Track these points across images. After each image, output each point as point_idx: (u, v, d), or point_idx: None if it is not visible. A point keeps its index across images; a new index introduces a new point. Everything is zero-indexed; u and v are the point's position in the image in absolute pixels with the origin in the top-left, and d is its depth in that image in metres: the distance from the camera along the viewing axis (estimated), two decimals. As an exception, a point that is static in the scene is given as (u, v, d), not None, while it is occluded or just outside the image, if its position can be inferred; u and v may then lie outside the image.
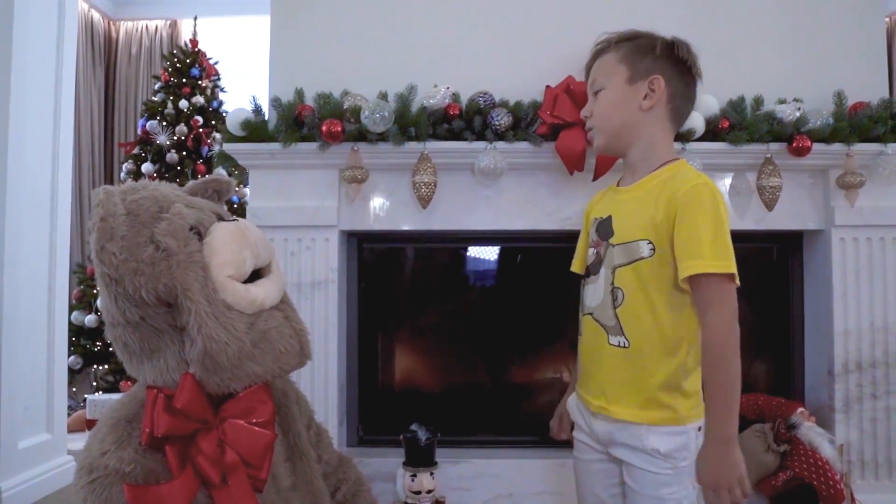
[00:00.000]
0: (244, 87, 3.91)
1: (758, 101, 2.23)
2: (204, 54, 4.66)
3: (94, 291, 4.14)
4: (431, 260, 2.51)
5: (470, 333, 2.51)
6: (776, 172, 2.17)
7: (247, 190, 4.63)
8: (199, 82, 4.54)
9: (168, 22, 5.45)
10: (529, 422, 2.44)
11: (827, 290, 2.28)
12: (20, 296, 2.81)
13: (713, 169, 2.21)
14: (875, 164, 2.19)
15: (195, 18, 4.75)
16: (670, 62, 1.43)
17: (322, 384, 2.22)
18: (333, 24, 2.32)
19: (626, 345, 1.34)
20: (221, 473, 1.16)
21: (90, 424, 3.90)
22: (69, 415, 3.44)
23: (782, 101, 2.23)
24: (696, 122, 2.14)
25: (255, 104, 2.20)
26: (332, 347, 2.23)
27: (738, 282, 1.29)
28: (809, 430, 2.10)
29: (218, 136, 4.29)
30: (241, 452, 1.19)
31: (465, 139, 2.14)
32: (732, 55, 2.30)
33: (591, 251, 1.47)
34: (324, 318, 2.22)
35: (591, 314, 1.43)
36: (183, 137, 4.35)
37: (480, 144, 2.13)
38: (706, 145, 2.17)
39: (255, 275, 1.28)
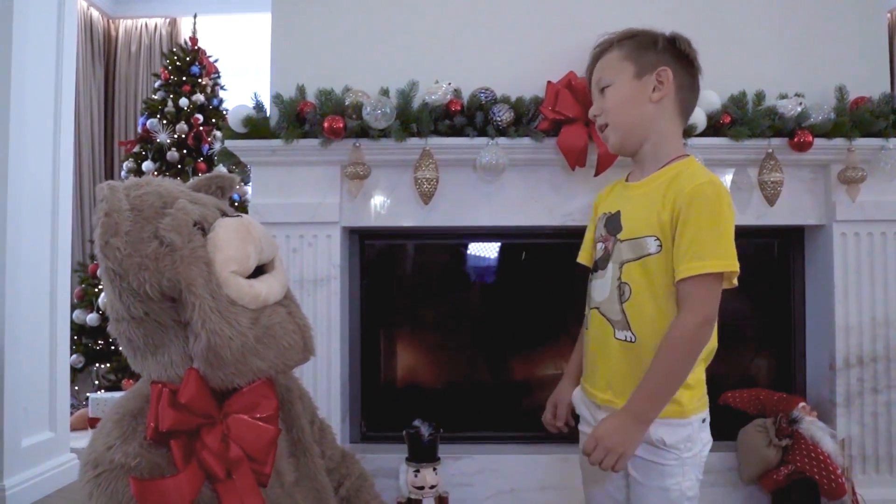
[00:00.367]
0: (244, 85, 3.90)
1: (759, 97, 2.23)
2: (204, 52, 4.65)
3: (96, 290, 4.14)
4: (433, 256, 2.51)
5: (472, 329, 2.52)
6: (777, 167, 2.17)
7: (248, 188, 4.65)
8: (199, 80, 4.54)
9: (167, 20, 5.45)
10: (532, 417, 2.45)
11: (828, 285, 2.28)
12: (22, 295, 2.82)
13: (714, 164, 2.21)
14: (876, 158, 2.20)
15: (195, 16, 4.75)
16: (673, 55, 1.43)
17: (325, 380, 2.22)
18: (335, 21, 2.32)
19: (633, 339, 1.34)
20: (226, 468, 1.16)
21: (92, 423, 3.91)
22: (71, 413, 3.45)
23: (783, 96, 2.23)
24: (698, 117, 2.15)
25: (257, 101, 2.20)
26: (334, 344, 2.23)
27: (735, 281, 1.29)
28: (811, 425, 2.10)
29: (218, 133, 4.27)
30: (246, 447, 1.19)
31: (467, 135, 2.15)
32: (734, 50, 2.30)
33: (599, 246, 1.47)
34: (326, 314, 2.22)
35: (597, 308, 1.43)
36: (183, 135, 4.35)
37: (482, 140, 2.14)
38: (707, 140, 2.17)
39: (259, 270, 1.29)
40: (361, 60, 2.30)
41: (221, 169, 4.36)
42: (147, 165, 4.26)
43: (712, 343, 1.34)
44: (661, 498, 1.32)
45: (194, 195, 1.30)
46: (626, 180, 1.52)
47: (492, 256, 2.51)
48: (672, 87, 1.40)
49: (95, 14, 5.30)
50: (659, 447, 1.31)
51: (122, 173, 4.43)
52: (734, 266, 1.27)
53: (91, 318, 4.08)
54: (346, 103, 2.14)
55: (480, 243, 2.48)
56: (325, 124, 2.09)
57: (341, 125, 2.09)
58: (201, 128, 4.40)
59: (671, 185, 1.34)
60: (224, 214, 1.29)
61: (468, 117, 2.16)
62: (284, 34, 2.32)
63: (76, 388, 4.23)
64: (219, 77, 4.72)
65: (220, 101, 4.61)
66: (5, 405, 2.72)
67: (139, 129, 4.50)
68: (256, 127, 2.17)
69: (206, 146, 4.38)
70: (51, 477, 2.99)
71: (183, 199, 1.22)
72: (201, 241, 1.19)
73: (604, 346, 1.41)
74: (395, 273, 2.52)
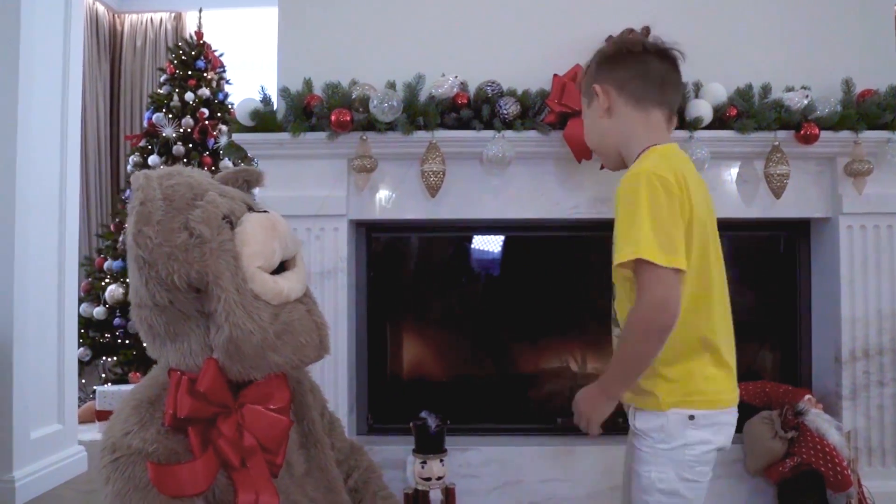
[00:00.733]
0: (250, 79, 3.91)
1: (765, 89, 2.23)
2: (209, 46, 4.66)
3: (103, 283, 4.16)
4: (439, 249, 2.51)
5: (478, 322, 2.52)
6: (784, 160, 2.17)
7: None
8: (205, 74, 4.55)
9: (173, 14, 5.46)
10: (537, 409, 2.47)
11: (834, 278, 2.28)
12: (30, 288, 2.83)
13: (720, 157, 2.22)
14: (883, 151, 2.19)
15: (200, 10, 4.75)
16: (603, 64, 1.47)
17: (332, 373, 2.24)
18: (341, 14, 2.33)
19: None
20: (241, 457, 1.18)
21: (100, 415, 3.93)
22: (78, 406, 3.47)
23: (790, 89, 2.23)
24: (704, 110, 2.15)
25: (264, 94, 2.21)
26: (341, 336, 2.24)
27: (672, 266, 1.25)
28: (816, 417, 2.11)
29: (224, 128, 4.30)
30: (259, 437, 1.20)
31: (474, 128, 2.15)
32: (740, 43, 2.30)
33: None
34: (333, 307, 2.23)
35: None
36: (189, 129, 4.36)
37: (488, 133, 2.14)
38: (713, 133, 2.17)
39: (281, 267, 1.30)
40: (368, 54, 2.31)
41: (227, 163, 4.39)
42: (153, 159, 4.27)
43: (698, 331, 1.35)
44: (634, 480, 1.36)
45: (222, 188, 1.32)
46: None
47: (498, 249, 2.51)
48: (611, 93, 1.42)
49: (101, 9, 5.31)
50: (636, 434, 1.36)
51: (128, 167, 4.44)
52: (643, 253, 1.24)
53: (98, 312, 4.11)
54: (353, 96, 2.15)
55: (486, 236, 2.49)
56: (332, 117, 2.09)
57: (348, 118, 2.10)
58: (207, 122, 4.42)
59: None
60: (250, 209, 1.30)
61: (475, 110, 2.16)
62: (291, 28, 2.33)
63: (83, 381, 4.25)
64: (224, 71, 4.73)
65: (226, 96, 4.62)
66: (14, 398, 2.74)
67: (145, 124, 4.52)
68: (264, 120, 2.18)
69: (212, 140, 4.39)
70: (59, 469, 3.01)
71: (213, 192, 1.24)
72: (229, 235, 1.21)
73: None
74: (402, 266, 2.52)
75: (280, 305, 1.25)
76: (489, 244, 2.51)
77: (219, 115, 4.47)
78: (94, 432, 3.79)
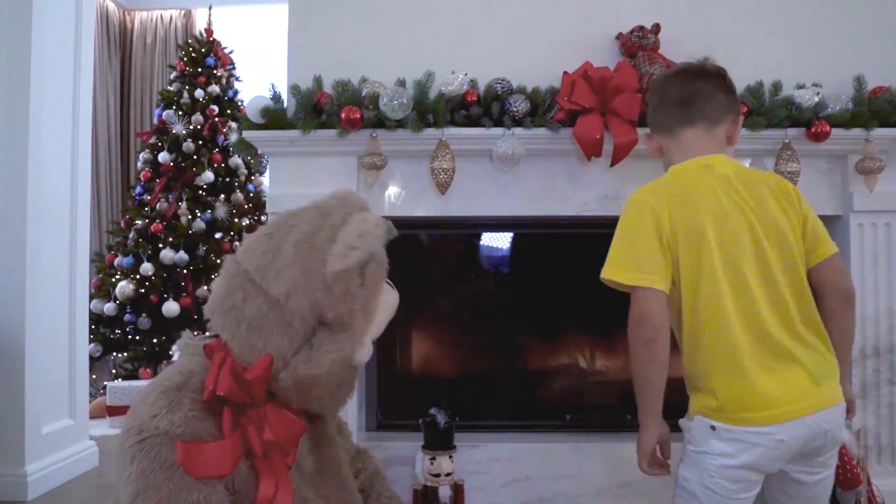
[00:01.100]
0: (259, 76, 3.93)
1: (776, 87, 2.22)
2: (219, 43, 4.68)
3: (113, 280, 4.18)
4: (449, 246, 2.52)
5: (487, 319, 2.52)
6: (794, 158, 2.16)
7: (263, 178, 4.68)
8: (215, 71, 4.56)
9: (182, 12, 5.47)
10: (546, 407, 2.47)
11: (845, 276, 2.27)
12: (41, 285, 2.86)
13: (731, 155, 2.21)
14: (894, 149, 2.19)
15: (209, 8, 4.77)
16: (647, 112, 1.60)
17: (341, 369, 2.24)
18: (351, 12, 2.34)
19: None
20: (263, 448, 1.19)
21: (110, 411, 3.95)
22: (89, 402, 3.49)
23: (801, 86, 2.22)
24: (714, 107, 2.14)
25: (275, 92, 2.21)
26: (350, 333, 2.24)
27: (636, 283, 1.33)
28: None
29: (234, 124, 4.31)
30: (277, 434, 1.22)
31: (483, 125, 2.16)
32: (751, 40, 2.29)
33: None
34: (343, 303, 2.23)
35: None
36: (199, 127, 4.37)
37: (498, 130, 2.14)
38: (724, 131, 2.16)
39: None
40: (378, 51, 2.31)
41: (237, 160, 4.41)
42: (163, 156, 4.29)
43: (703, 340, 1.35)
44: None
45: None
46: None
47: (507, 246, 2.51)
48: (653, 136, 1.54)
49: (111, 6, 5.33)
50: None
51: (139, 164, 4.47)
52: (605, 273, 1.37)
53: (108, 308, 4.13)
54: (363, 94, 2.16)
55: (496, 234, 2.49)
56: (342, 115, 2.10)
57: (358, 115, 2.10)
58: (217, 119, 4.43)
59: None
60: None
61: (484, 108, 2.17)
62: (302, 25, 2.34)
63: (94, 377, 4.28)
64: (234, 68, 4.74)
65: (236, 93, 4.64)
66: (26, 393, 2.77)
67: (155, 121, 4.54)
68: (274, 117, 2.19)
69: (222, 137, 4.41)
70: (71, 463, 3.04)
71: (382, 251, 1.38)
72: (379, 299, 1.35)
73: None
74: (411, 263, 2.53)
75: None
76: (498, 241, 2.51)
77: (229, 112, 4.48)
78: (104, 427, 3.81)
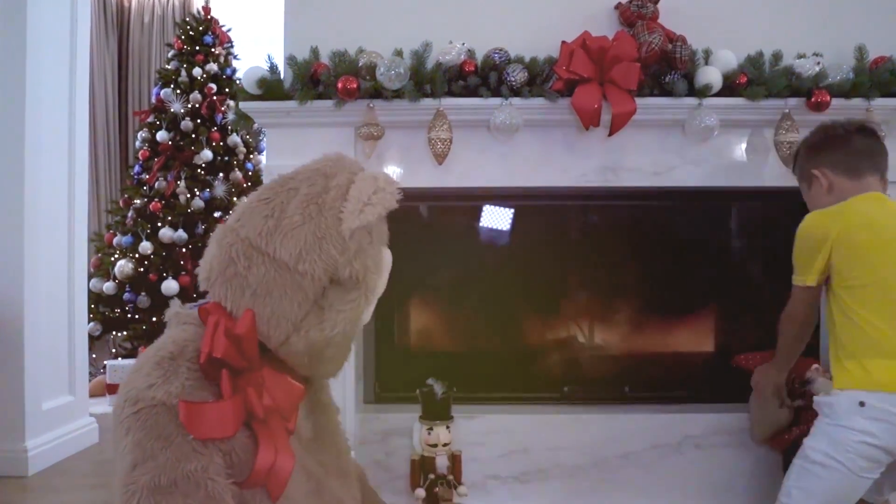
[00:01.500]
0: (257, 54, 3.90)
1: (776, 57, 2.20)
2: (217, 21, 4.66)
3: (112, 259, 4.18)
4: (447, 218, 2.50)
5: (485, 292, 2.51)
6: (794, 128, 2.14)
7: (261, 157, 4.67)
8: (213, 50, 4.55)
9: (180, -10, 5.44)
10: (544, 379, 2.47)
11: (844, 248, 2.26)
12: (40, 264, 2.87)
13: (730, 125, 2.20)
14: (895, 119, 2.17)
15: (207, -15, 4.74)
16: (813, 152, 1.87)
17: (339, 341, 2.24)
18: (348, -18, 2.31)
19: None
20: (264, 412, 1.19)
21: (110, 389, 3.98)
22: (90, 380, 3.51)
23: (801, 56, 2.19)
24: (713, 77, 2.13)
25: (271, 62, 2.20)
26: (349, 305, 2.24)
27: (802, 284, 1.75)
28: (824, 386, 2.10)
29: (232, 103, 4.29)
30: (276, 399, 1.21)
31: (481, 95, 2.14)
32: (751, 9, 2.27)
33: None
34: (341, 275, 2.23)
35: None
36: (197, 105, 4.36)
37: (496, 101, 2.13)
38: (723, 101, 2.15)
39: None
40: (375, 22, 2.29)
41: (236, 139, 4.39)
42: (161, 135, 4.28)
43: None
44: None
45: None
46: None
47: (505, 218, 2.50)
48: (828, 174, 1.80)
49: (108, -15, 5.30)
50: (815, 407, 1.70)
51: (137, 143, 4.46)
52: (798, 280, 1.80)
53: (108, 287, 4.13)
54: (360, 64, 2.14)
55: (494, 206, 2.48)
56: (339, 84, 2.08)
57: (355, 85, 2.09)
58: (215, 97, 4.42)
59: None
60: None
61: (482, 78, 2.15)
62: (298, -5, 2.32)
63: (94, 356, 4.29)
64: (232, 46, 4.73)
65: (234, 71, 4.62)
66: (26, 369, 2.78)
67: (153, 99, 4.53)
68: (270, 88, 2.17)
69: (220, 115, 4.40)
70: (71, 439, 3.06)
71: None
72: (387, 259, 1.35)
73: None
74: (408, 235, 2.52)
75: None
76: (497, 213, 2.50)
77: (227, 90, 4.46)
78: (105, 406, 3.83)
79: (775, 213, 2.44)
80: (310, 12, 2.30)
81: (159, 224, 4.18)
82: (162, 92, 4.40)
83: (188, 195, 4.22)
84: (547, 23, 2.23)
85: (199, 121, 4.36)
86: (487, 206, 2.47)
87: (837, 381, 1.61)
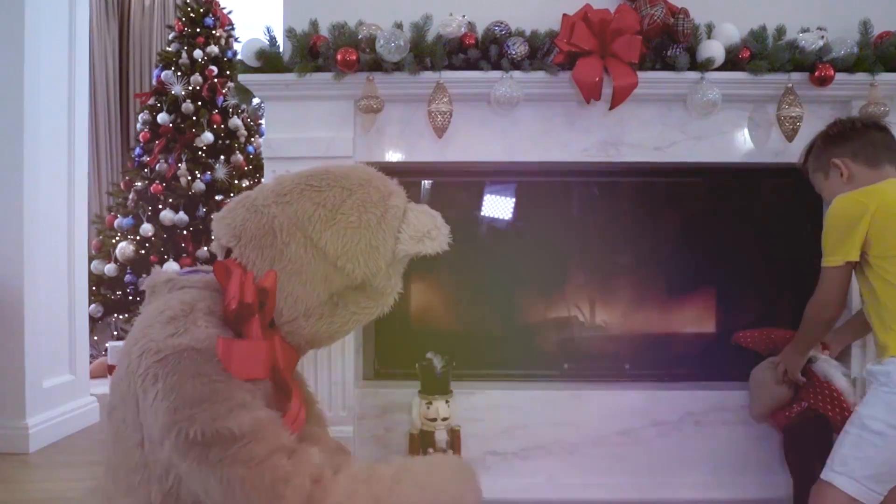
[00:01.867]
0: (258, 36, 3.88)
1: (780, 31, 2.18)
2: (217, 3, 4.64)
3: (113, 241, 4.18)
4: (446, 193, 2.48)
5: (485, 268, 2.50)
6: (797, 103, 2.13)
7: (262, 140, 4.65)
8: (213, 32, 4.53)
9: (181, -28, 5.42)
10: (545, 356, 2.46)
11: (846, 224, 2.25)
12: (40, 245, 2.87)
13: (732, 100, 2.18)
14: (899, 94, 2.15)
15: (208, -33, 4.71)
16: (831, 143, 1.86)
17: (338, 316, 2.23)
18: (348, -46, 2.29)
19: None
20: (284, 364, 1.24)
21: (111, 370, 3.97)
22: (91, 362, 3.51)
23: (805, 30, 2.17)
24: (716, 51, 2.11)
25: (270, 34, 2.18)
26: (348, 280, 2.23)
27: (837, 264, 1.69)
28: (824, 363, 2.08)
29: (233, 84, 4.28)
30: (282, 361, 1.23)
31: (481, 69, 2.12)
32: (755, -17, 2.25)
33: None
34: (340, 250, 2.22)
35: None
36: (198, 87, 4.34)
37: (496, 74, 2.11)
38: (725, 75, 2.13)
39: None
40: (375, -6, 2.27)
41: (237, 122, 4.38)
42: (162, 117, 4.27)
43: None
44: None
45: None
46: None
47: (506, 195, 2.49)
48: (849, 164, 1.80)
49: (109, -33, 5.28)
50: (866, 376, 1.69)
51: (138, 125, 4.44)
52: (829, 260, 1.73)
53: (109, 269, 4.13)
54: (360, 37, 2.12)
55: (494, 182, 2.46)
56: (339, 56, 2.07)
57: (354, 57, 2.07)
58: (216, 79, 4.40)
59: None
60: None
61: (482, 51, 2.13)
62: (297, -32, 2.29)
63: (95, 338, 4.30)
64: (233, 29, 4.71)
65: (235, 53, 4.59)
66: (26, 347, 2.78)
67: (154, 82, 4.51)
68: (270, 61, 2.15)
69: (221, 98, 4.38)
70: (72, 418, 3.06)
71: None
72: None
73: None
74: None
75: None
76: (497, 189, 2.48)
77: (228, 72, 4.45)
78: (105, 386, 3.83)
79: (777, 189, 2.43)
80: (309, -15, 2.28)
81: (160, 206, 4.17)
82: (163, 74, 4.39)
83: (189, 178, 4.21)
84: (548, -5, 2.21)
85: (199, 103, 4.34)
86: (487, 182, 2.46)
87: (891, 349, 1.60)
